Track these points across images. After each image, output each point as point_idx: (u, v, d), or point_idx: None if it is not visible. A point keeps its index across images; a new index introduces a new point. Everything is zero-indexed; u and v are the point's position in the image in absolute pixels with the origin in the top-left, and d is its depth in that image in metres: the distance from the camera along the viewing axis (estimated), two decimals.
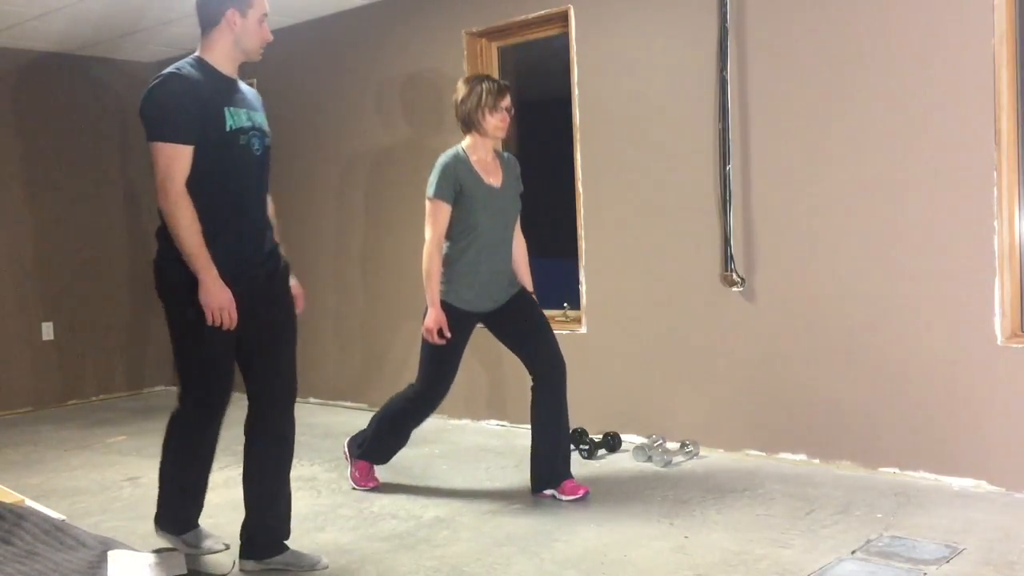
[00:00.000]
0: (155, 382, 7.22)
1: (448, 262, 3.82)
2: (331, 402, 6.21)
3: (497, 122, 3.81)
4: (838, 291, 4.05)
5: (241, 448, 3.22)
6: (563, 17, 4.91)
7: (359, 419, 5.56)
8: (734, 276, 4.31)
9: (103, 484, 4.38)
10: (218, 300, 2.89)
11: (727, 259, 4.34)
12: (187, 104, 2.83)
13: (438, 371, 3.87)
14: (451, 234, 3.82)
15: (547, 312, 5.18)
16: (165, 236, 2.93)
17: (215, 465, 4.69)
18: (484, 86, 3.80)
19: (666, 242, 4.58)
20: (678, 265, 4.54)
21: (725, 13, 4.27)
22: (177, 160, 2.82)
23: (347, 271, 6.06)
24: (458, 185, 3.76)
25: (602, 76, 4.77)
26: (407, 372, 5.64)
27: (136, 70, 7.06)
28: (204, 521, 3.71)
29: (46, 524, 2.42)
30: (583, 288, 4.91)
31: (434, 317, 3.76)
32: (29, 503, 2.77)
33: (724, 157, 4.32)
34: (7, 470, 4.71)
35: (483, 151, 3.86)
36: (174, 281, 2.93)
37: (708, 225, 4.41)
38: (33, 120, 6.54)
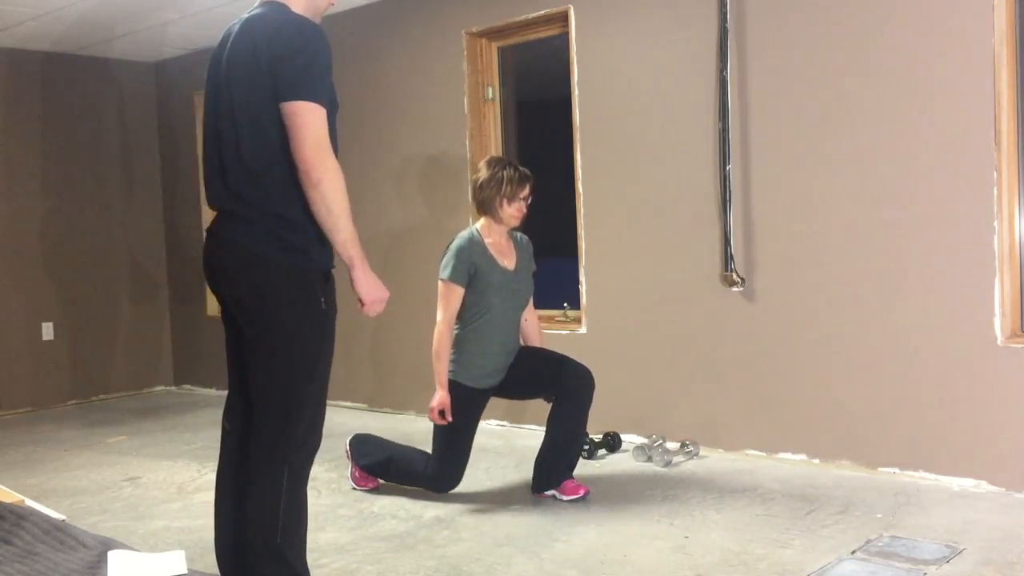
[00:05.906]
0: (155, 382, 7.22)
1: (460, 343, 3.78)
2: (331, 402, 6.17)
3: (514, 212, 3.78)
4: (838, 291, 4.05)
5: None
6: (563, 17, 4.91)
7: (359, 419, 5.57)
8: (734, 276, 4.31)
9: (103, 484, 4.38)
10: (380, 292, 2.59)
11: (727, 259, 4.34)
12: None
13: (450, 450, 3.81)
14: (463, 316, 3.79)
15: (547, 312, 5.22)
16: (288, 222, 2.46)
17: (212, 465, 4.71)
18: (505, 174, 3.74)
19: (666, 242, 4.58)
20: (678, 265, 4.54)
21: (725, 13, 4.27)
22: (325, 120, 2.43)
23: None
24: (473, 268, 3.73)
25: (602, 76, 4.77)
26: (408, 372, 5.65)
27: (136, 70, 7.07)
28: (200, 522, 3.72)
29: (46, 524, 2.41)
30: (583, 288, 4.91)
31: (439, 398, 3.72)
32: (29, 503, 2.76)
33: (724, 157, 4.32)
34: (7, 470, 4.71)
35: (498, 234, 3.83)
36: (298, 273, 2.51)
37: (708, 225, 4.41)
38: (32, 121, 6.54)
